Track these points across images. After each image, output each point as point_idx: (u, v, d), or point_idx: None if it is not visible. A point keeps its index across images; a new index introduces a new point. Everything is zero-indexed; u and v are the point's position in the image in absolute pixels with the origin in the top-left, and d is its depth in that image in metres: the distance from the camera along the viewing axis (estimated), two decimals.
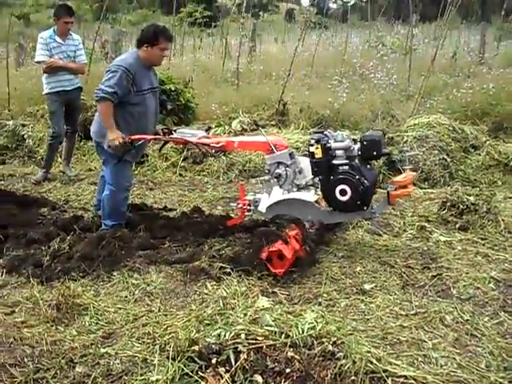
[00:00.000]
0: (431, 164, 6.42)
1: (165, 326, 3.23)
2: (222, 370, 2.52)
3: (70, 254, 4.24)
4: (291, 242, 3.81)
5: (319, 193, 4.34)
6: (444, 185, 6.22)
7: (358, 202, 4.07)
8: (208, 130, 5.13)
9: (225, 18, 17.24)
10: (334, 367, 2.53)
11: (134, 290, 3.78)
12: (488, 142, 7.08)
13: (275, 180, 4.40)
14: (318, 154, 4.13)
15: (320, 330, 2.74)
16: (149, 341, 3.11)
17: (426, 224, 4.90)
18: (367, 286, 3.70)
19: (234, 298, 3.51)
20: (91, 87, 8.33)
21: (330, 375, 2.50)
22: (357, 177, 4.02)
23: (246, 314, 3.14)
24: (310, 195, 4.32)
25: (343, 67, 11.02)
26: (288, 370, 2.48)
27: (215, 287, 3.73)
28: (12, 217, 5.10)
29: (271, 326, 2.80)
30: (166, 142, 5.15)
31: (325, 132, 4.32)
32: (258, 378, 2.47)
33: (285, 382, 2.46)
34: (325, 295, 3.58)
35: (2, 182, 6.70)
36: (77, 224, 4.85)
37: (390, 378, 2.56)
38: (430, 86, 9.84)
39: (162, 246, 4.48)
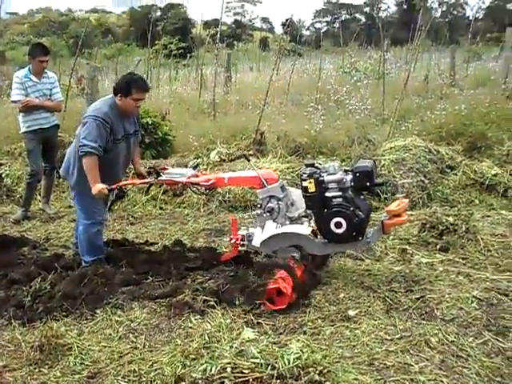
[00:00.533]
0: (409, 186, 6.48)
1: (150, 363, 3.22)
2: None
3: (52, 293, 4.21)
4: (287, 278, 3.82)
5: (313, 224, 4.34)
6: (423, 206, 6.30)
7: (354, 234, 4.08)
8: (196, 167, 5.11)
9: (199, 49, 17.37)
10: None
11: (118, 327, 3.75)
12: (463, 162, 7.19)
13: (268, 214, 4.39)
14: (311, 188, 4.13)
15: (306, 359, 2.75)
16: (135, 378, 3.09)
17: (407, 247, 4.95)
18: (351, 313, 3.71)
19: (219, 331, 3.51)
20: (68, 124, 8.39)
21: None
22: (351, 208, 4.04)
23: (231, 347, 3.16)
24: (304, 227, 4.31)
25: (318, 94, 11.14)
26: None
27: (200, 321, 3.72)
28: None
29: (257, 358, 2.80)
30: (148, 184, 5.11)
31: (316, 164, 4.34)
32: None
33: None
34: (310, 323, 3.57)
35: None
36: (58, 262, 4.80)
37: None
38: (404, 109, 10.00)
39: (145, 281, 4.46)
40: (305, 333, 3.45)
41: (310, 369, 2.65)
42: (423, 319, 3.60)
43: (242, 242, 4.53)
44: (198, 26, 33.24)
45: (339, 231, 4.08)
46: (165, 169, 4.92)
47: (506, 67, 10.87)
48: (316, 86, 11.46)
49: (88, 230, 4.72)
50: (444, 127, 8.61)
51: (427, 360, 3.12)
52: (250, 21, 78.82)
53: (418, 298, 3.88)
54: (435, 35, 22.96)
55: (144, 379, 3.04)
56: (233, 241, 4.56)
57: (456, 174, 6.94)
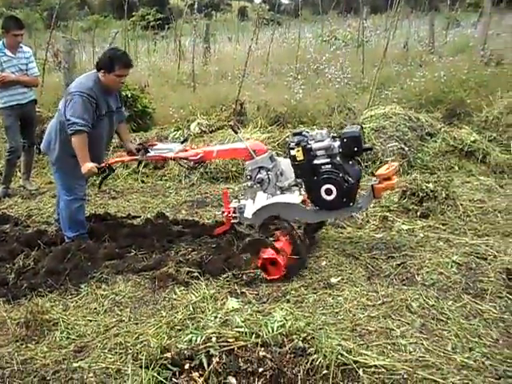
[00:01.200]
0: (389, 154, 6.52)
1: (136, 335, 3.24)
2: (195, 374, 2.54)
3: (36, 269, 4.21)
4: (282, 248, 3.85)
5: (303, 193, 4.36)
6: (403, 174, 6.34)
7: (344, 200, 4.10)
8: (184, 141, 5.07)
9: (178, 20, 17.14)
10: (306, 363, 2.58)
11: (103, 300, 3.76)
12: (443, 129, 7.24)
13: (258, 185, 4.40)
14: (300, 156, 4.13)
15: (290, 327, 2.79)
16: (121, 351, 3.10)
17: (388, 214, 5.00)
18: (334, 280, 3.75)
19: (204, 302, 3.54)
20: (46, 98, 8.30)
21: (302, 371, 2.55)
22: (340, 175, 4.05)
23: (216, 317, 3.19)
24: (295, 197, 4.31)
25: (298, 63, 11.09)
26: (261, 370, 2.52)
27: (184, 292, 3.74)
28: None
29: (241, 326, 2.84)
30: (137, 161, 5.10)
31: (303, 132, 4.32)
32: (232, 379, 2.51)
33: (258, 381, 2.50)
34: (293, 292, 3.61)
35: None
36: (41, 239, 4.80)
37: (361, 369, 2.62)
38: (383, 77, 10.00)
39: (128, 254, 4.47)
40: (288, 301, 3.49)
41: (294, 336, 2.69)
42: (404, 285, 3.67)
43: (233, 215, 4.53)
44: None
45: (330, 198, 4.09)
46: (154, 144, 4.89)
47: (484, 33, 10.88)
48: (295, 55, 11.40)
49: (70, 206, 4.70)
50: (423, 94, 8.66)
51: (408, 324, 3.18)
52: None
53: (399, 265, 3.94)
54: (415, 2, 22.84)
55: (130, 351, 3.05)
56: (225, 214, 4.56)
57: (436, 141, 6.98)
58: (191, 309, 3.44)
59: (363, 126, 7.00)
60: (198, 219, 5.31)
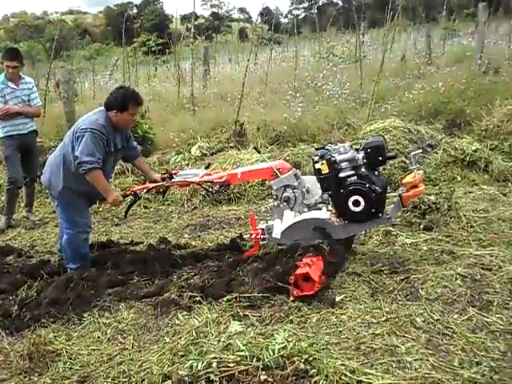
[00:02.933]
0: (391, 168, 6.50)
1: (139, 363, 3.21)
2: None
3: (39, 300, 4.17)
4: (315, 263, 3.81)
5: (330, 208, 4.35)
6: None
7: (373, 210, 4.11)
8: (208, 166, 5.08)
9: (178, 44, 17.26)
10: None
11: (106, 329, 3.73)
12: (444, 140, 7.23)
13: (285, 204, 4.41)
14: (325, 169, 4.16)
15: (291, 348, 2.76)
16: (124, 380, 3.08)
17: (391, 228, 4.96)
18: (337, 298, 3.71)
19: (207, 326, 3.50)
20: (47, 128, 8.33)
21: None
22: (367, 185, 4.06)
23: (219, 341, 3.16)
24: (323, 213, 4.30)
25: (296, 81, 11.12)
26: None
27: (187, 317, 3.71)
28: None
29: (243, 350, 2.80)
30: (167, 188, 5.08)
31: (326, 147, 4.34)
32: None
33: None
34: (296, 312, 3.58)
35: None
36: (44, 269, 4.77)
37: None
38: (382, 91, 10.02)
39: (131, 281, 4.45)
40: (291, 321, 3.45)
41: (295, 358, 2.65)
42: (408, 300, 3.63)
43: (262, 236, 4.51)
44: (175, 20, 33.08)
45: (358, 209, 4.10)
46: (177, 173, 4.90)
47: (480, 42, 10.89)
48: (293, 73, 11.44)
49: (74, 240, 4.65)
50: (423, 106, 8.67)
51: (413, 340, 3.14)
52: (228, 12, 78.59)
53: (402, 279, 3.90)
54: (412, 14, 22.95)
55: (134, 380, 3.03)
56: (253, 235, 4.53)
57: (437, 153, 6.97)
58: (194, 334, 3.41)
59: (363, 140, 7.01)
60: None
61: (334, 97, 9.32)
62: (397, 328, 3.28)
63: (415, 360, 2.93)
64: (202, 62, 14.92)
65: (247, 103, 9.98)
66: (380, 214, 4.14)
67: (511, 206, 5.43)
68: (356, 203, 4.09)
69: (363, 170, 4.12)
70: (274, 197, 4.52)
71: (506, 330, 3.18)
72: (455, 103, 8.53)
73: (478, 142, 7.16)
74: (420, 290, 3.72)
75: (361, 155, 4.14)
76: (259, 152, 4.99)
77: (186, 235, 5.68)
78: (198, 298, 3.89)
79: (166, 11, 58.92)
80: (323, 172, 4.17)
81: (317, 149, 4.42)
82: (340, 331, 3.30)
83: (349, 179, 4.11)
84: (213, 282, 4.07)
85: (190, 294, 3.96)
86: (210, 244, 5.20)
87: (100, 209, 6.95)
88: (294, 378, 2.57)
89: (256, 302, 3.76)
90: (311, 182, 4.45)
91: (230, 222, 5.98)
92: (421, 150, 6.30)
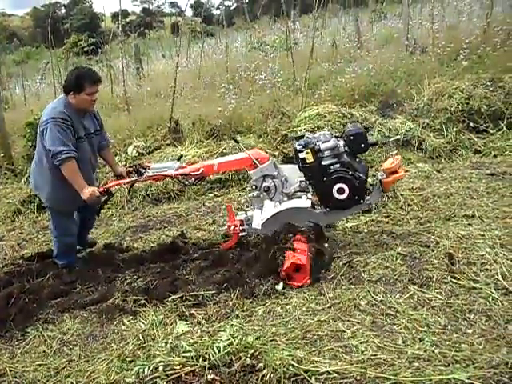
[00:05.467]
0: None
1: (88, 373, 3.12)
2: None
3: None
4: (299, 251, 3.78)
5: (310, 196, 4.33)
6: None
7: (356, 197, 4.13)
8: (179, 158, 4.89)
9: (110, 43, 16.88)
10: (256, 379, 2.54)
11: (51, 342, 3.62)
12: (377, 121, 7.34)
13: (265, 194, 4.36)
14: (310, 158, 4.12)
15: (237, 344, 2.74)
16: None
17: None
18: (280, 287, 3.71)
19: (153, 329, 3.45)
20: None
21: None
22: (350, 172, 4.07)
23: (166, 343, 3.12)
24: (304, 201, 4.27)
25: (229, 73, 11.08)
26: None
27: (132, 322, 3.64)
28: None
29: (189, 351, 2.77)
30: (134, 183, 4.87)
31: (306, 136, 4.32)
32: None
33: None
34: (241, 307, 3.56)
35: None
36: None
37: (312, 377, 2.59)
38: (315, 77, 10.09)
39: (74, 290, 4.33)
40: (237, 316, 3.43)
41: (241, 354, 2.64)
42: (351, 284, 3.66)
43: (241, 228, 4.45)
44: (105, 18, 32.42)
45: (342, 197, 4.11)
46: (147, 166, 4.73)
47: (406, 24, 11.10)
48: (225, 65, 11.38)
49: (61, 241, 4.71)
50: (356, 90, 8.75)
51: (358, 323, 3.17)
52: (159, 7, 77.39)
53: (344, 264, 3.93)
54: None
55: None
56: (231, 227, 4.47)
57: (372, 134, 7.06)
58: (141, 338, 3.35)
59: (299, 127, 7.06)
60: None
61: (267, 86, 9.31)
62: (341, 313, 3.30)
63: (361, 343, 2.95)
64: (133, 60, 14.68)
65: (182, 99, 9.88)
66: (362, 201, 4.17)
67: (445, 182, 5.55)
68: (340, 191, 4.10)
69: (345, 157, 4.13)
70: (254, 187, 4.45)
71: (445, 303, 3.25)
72: (386, 85, 8.66)
73: (411, 122, 7.30)
74: (362, 273, 3.76)
75: (341, 142, 4.15)
76: (237, 142, 4.89)
77: (127, 238, 5.58)
78: (142, 301, 3.83)
79: (96, 10, 57.55)
80: (308, 161, 4.13)
81: (296, 138, 4.38)
82: (286, 321, 3.30)
83: (332, 167, 4.10)
84: (156, 284, 4.03)
85: (134, 297, 3.90)
86: (153, 245, 5.12)
87: (39, 218, 6.76)
88: (241, 374, 2.56)
89: (201, 300, 3.73)
90: (288, 170, 4.43)
91: (171, 221, 5.91)
92: (399, 136, 6.40)
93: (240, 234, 4.49)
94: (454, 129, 7.13)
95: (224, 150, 6.96)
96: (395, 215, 4.85)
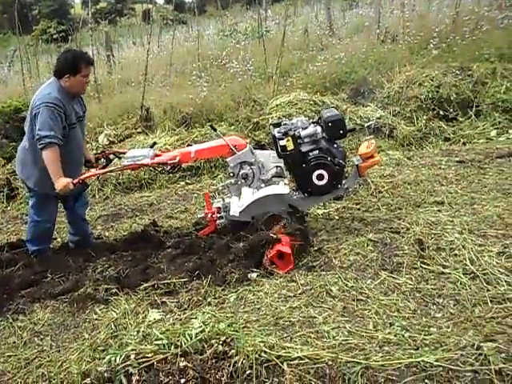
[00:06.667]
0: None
1: (59, 363, 3.09)
2: None
3: None
4: (282, 238, 3.78)
5: (287, 182, 4.32)
6: None
7: (335, 183, 4.14)
8: (153, 145, 4.79)
9: (80, 30, 16.58)
10: (229, 366, 2.55)
11: (22, 332, 3.57)
12: (349, 109, 7.38)
13: (243, 181, 4.34)
14: (290, 145, 4.10)
15: (209, 331, 2.74)
16: (44, 383, 2.97)
17: None
18: (253, 275, 3.72)
19: (125, 317, 3.43)
20: None
21: (225, 375, 2.52)
22: (329, 158, 4.07)
23: (138, 332, 3.10)
24: (282, 187, 4.25)
25: (200, 61, 11.01)
26: (183, 381, 2.47)
27: (104, 310, 3.62)
28: None
29: (161, 339, 2.77)
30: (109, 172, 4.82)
31: (283, 122, 4.30)
32: None
33: None
34: (213, 294, 3.56)
35: None
36: None
37: (284, 363, 2.60)
38: (287, 65, 10.10)
39: (44, 280, 4.27)
40: (209, 304, 3.43)
41: (213, 341, 2.64)
42: (323, 270, 3.68)
43: (218, 215, 4.43)
44: (75, 5, 31.93)
45: (322, 183, 4.12)
46: (119, 152, 4.67)
47: (377, 12, 11.16)
48: (197, 53, 11.31)
49: (38, 225, 4.63)
50: (327, 77, 8.78)
51: (330, 309, 3.18)
52: None
53: (316, 251, 3.96)
54: None
55: (54, 382, 2.92)
56: (209, 215, 4.44)
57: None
58: (113, 327, 3.33)
59: (270, 115, 7.07)
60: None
61: (238, 74, 9.28)
62: (313, 299, 3.32)
63: (332, 329, 2.97)
64: (104, 48, 14.49)
65: (153, 87, 9.80)
66: (339, 185, 4.20)
67: (415, 169, 5.63)
68: (320, 177, 4.11)
69: (323, 143, 4.13)
70: (231, 174, 4.41)
71: (415, 288, 3.30)
72: (357, 73, 8.71)
73: (382, 109, 7.35)
74: (333, 260, 3.79)
75: (319, 128, 4.15)
76: (215, 130, 4.85)
77: (98, 226, 5.53)
78: (114, 290, 3.80)
79: None
80: (289, 149, 4.12)
81: (273, 125, 4.36)
82: (258, 308, 3.30)
83: (311, 153, 4.10)
84: (128, 272, 4.00)
85: (105, 286, 3.86)
86: (124, 233, 5.09)
87: (8, 208, 6.67)
88: (213, 361, 2.56)
89: (173, 288, 3.72)
90: (263, 156, 4.41)
91: (142, 209, 5.88)
92: (375, 121, 6.41)
93: (217, 221, 4.47)
94: (425, 117, 7.23)
95: (195, 138, 6.93)
96: (366, 202, 4.89)
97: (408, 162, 5.91)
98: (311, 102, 7.31)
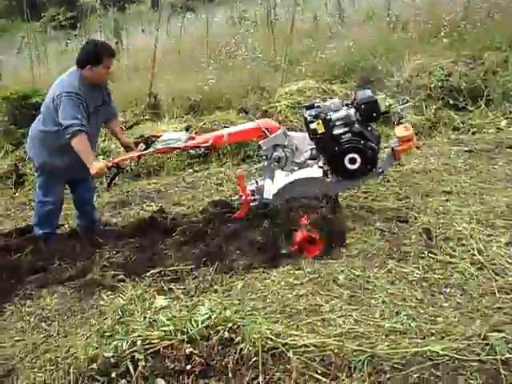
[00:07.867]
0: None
1: (66, 348, 3.11)
2: (123, 382, 2.48)
3: None
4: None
5: (321, 165, 4.26)
6: None
7: (368, 166, 4.08)
8: (188, 128, 4.74)
9: (89, 17, 16.50)
10: (235, 353, 2.56)
11: (29, 318, 3.60)
12: None
13: (276, 164, 4.29)
14: (321, 129, 4.06)
15: (215, 318, 2.76)
16: (52, 367, 2.98)
17: None
18: (284, 251, 3.75)
19: (132, 304, 3.45)
20: None
21: (231, 362, 2.53)
22: (362, 142, 4.01)
23: (145, 318, 3.12)
24: (316, 170, 4.20)
25: (209, 48, 10.97)
26: (189, 367, 2.49)
27: (111, 297, 3.64)
28: None
29: (167, 325, 2.78)
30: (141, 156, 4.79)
31: (316, 104, 4.25)
32: (160, 381, 2.47)
33: (188, 378, 2.46)
34: (220, 281, 3.58)
35: None
36: None
37: (290, 351, 2.61)
38: (296, 53, 10.02)
39: (52, 266, 4.29)
40: (216, 291, 3.45)
41: (219, 327, 2.66)
42: (330, 258, 3.68)
43: (252, 198, 4.38)
44: None
45: (354, 167, 4.06)
46: (156, 136, 4.65)
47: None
48: (205, 40, 11.27)
49: (44, 206, 4.65)
50: (336, 65, 8.73)
51: (336, 298, 3.19)
52: None
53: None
54: None
55: (61, 367, 2.93)
56: (243, 197, 4.39)
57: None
58: (120, 313, 3.35)
59: (279, 103, 7.04)
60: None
61: (247, 61, 9.24)
62: (320, 287, 3.32)
63: (339, 317, 2.98)
64: (112, 35, 14.45)
65: (161, 74, 9.77)
66: (373, 169, 4.15)
67: (424, 159, 5.60)
68: (352, 161, 4.04)
69: (357, 126, 4.07)
70: (264, 157, 4.38)
71: (422, 278, 3.31)
72: (367, 60, 8.64)
73: (391, 98, 7.28)
74: (341, 248, 3.79)
75: (352, 111, 4.10)
76: (247, 113, 4.80)
77: (106, 213, 5.54)
78: (121, 276, 3.83)
79: None
80: (319, 132, 4.07)
81: (306, 107, 4.29)
82: (265, 296, 3.32)
83: (343, 137, 4.05)
84: (135, 259, 4.03)
85: (113, 272, 3.90)
86: (132, 220, 5.10)
87: (16, 194, 6.70)
88: (219, 348, 2.58)
89: (180, 274, 3.74)
90: (298, 139, 4.37)
91: (150, 196, 5.90)
92: (409, 104, 6.34)
93: (251, 204, 4.40)
94: (434, 106, 7.18)
95: (204, 126, 6.91)
96: (374, 191, 4.87)
97: (417, 152, 5.88)
98: (320, 90, 7.27)
